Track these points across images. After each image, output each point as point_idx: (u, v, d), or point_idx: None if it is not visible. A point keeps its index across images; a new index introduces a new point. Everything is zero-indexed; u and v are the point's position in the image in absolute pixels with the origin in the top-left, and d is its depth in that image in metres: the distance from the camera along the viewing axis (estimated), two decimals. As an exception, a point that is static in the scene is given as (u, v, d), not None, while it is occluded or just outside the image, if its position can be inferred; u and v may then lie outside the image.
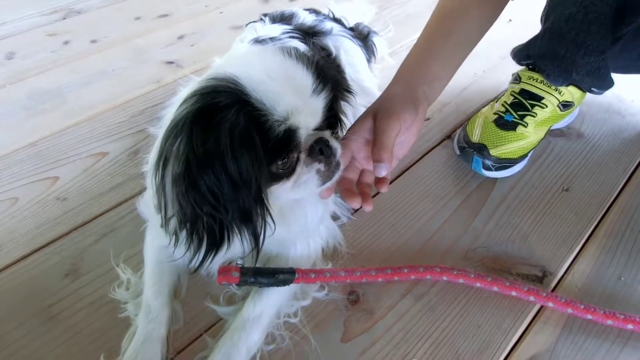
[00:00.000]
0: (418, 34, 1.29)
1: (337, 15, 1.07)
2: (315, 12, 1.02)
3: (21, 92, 1.14)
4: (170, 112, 0.69)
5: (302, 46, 0.85)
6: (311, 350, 0.60)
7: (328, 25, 0.97)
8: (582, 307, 0.61)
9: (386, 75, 1.10)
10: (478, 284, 0.65)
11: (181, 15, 1.44)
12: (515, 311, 0.64)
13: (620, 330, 0.61)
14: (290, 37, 0.86)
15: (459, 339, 0.62)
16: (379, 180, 0.61)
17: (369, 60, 1.03)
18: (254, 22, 0.97)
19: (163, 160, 0.51)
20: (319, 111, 0.54)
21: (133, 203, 0.81)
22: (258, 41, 0.83)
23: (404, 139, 0.63)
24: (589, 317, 0.61)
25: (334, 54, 0.92)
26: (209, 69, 1.16)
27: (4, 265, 0.74)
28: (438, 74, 0.68)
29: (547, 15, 0.78)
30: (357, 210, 0.78)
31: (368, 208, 0.59)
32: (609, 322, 0.60)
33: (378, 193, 0.81)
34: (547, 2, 0.80)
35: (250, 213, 0.51)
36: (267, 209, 0.52)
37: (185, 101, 0.51)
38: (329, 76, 0.55)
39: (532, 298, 0.63)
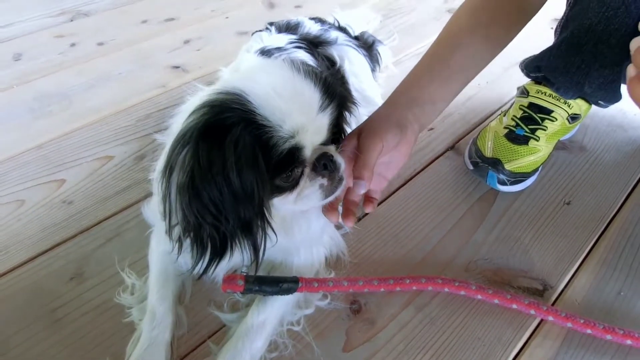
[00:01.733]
0: (422, 44, 1.31)
1: (342, 24, 1.08)
2: (321, 21, 1.03)
3: (28, 94, 1.15)
4: (177, 122, 0.70)
5: (307, 56, 0.86)
6: (313, 358, 0.61)
7: (333, 34, 0.98)
8: (582, 321, 0.62)
9: (390, 84, 1.11)
10: (479, 296, 0.66)
11: (187, 20, 1.45)
12: (515, 324, 0.65)
13: (619, 345, 0.61)
14: (296, 47, 0.87)
15: (459, 351, 0.62)
16: (367, 199, 0.62)
17: (373, 70, 1.04)
18: (259, 31, 0.98)
19: (169, 169, 0.51)
20: (324, 128, 0.55)
21: (138, 208, 0.82)
22: (264, 51, 0.84)
23: (391, 159, 0.63)
24: (589, 331, 0.62)
25: (338, 64, 0.93)
26: (214, 75, 1.19)
27: (9, 268, 0.75)
28: (433, 97, 0.67)
29: (564, 27, 0.79)
30: (360, 219, 0.79)
31: (349, 224, 0.60)
32: (608, 337, 0.61)
33: (381, 203, 0.82)
34: (564, 14, 0.80)
35: (250, 225, 0.52)
36: (268, 222, 0.53)
37: (193, 113, 0.52)
38: (336, 92, 0.56)
39: (532, 311, 0.64)
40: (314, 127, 0.53)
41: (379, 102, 1.00)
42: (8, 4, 1.54)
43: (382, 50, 1.11)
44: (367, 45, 1.06)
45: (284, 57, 0.75)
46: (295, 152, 0.52)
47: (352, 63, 0.95)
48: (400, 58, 1.23)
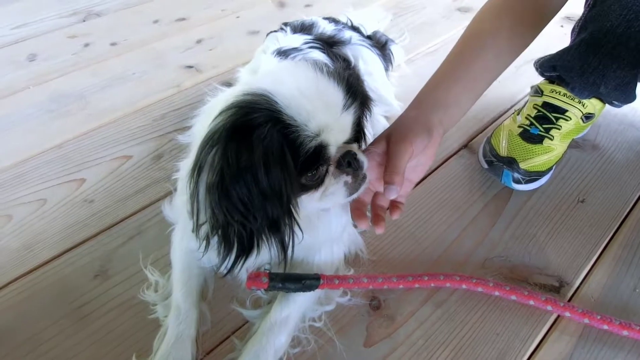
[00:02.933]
0: (433, 42, 1.31)
1: (355, 24, 1.09)
2: (335, 21, 1.04)
3: (44, 95, 1.17)
4: (199, 122, 0.72)
5: (322, 56, 0.87)
6: (335, 353, 0.63)
7: (347, 34, 0.99)
8: (599, 317, 0.63)
9: (402, 83, 1.12)
10: (497, 293, 0.67)
11: (198, 19, 1.46)
12: (532, 320, 0.66)
13: (636, 341, 0.63)
14: (311, 47, 0.88)
15: (478, 346, 0.64)
16: (393, 205, 0.62)
17: (386, 69, 1.05)
18: (274, 31, 0.99)
19: (198, 168, 0.53)
20: (348, 127, 0.56)
21: (158, 206, 0.84)
22: (281, 52, 0.85)
23: (418, 162, 0.64)
24: (605, 327, 0.63)
25: (353, 64, 0.94)
26: (227, 75, 1.20)
27: (34, 266, 0.77)
28: (457, 100, 0.68)
29: (583, 27, 0.80)
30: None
31: (379, 230, 0.60)
32: (625, 332, 0.62)
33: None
34: (583, 15, 0.81)
35: (278, 223, 0.53)
36: (295, 219, 0.54)
37: (221, 114, 0.53)
38: (358, 92, 0.57)
39: (549, 307, 0.65)
40: (338, 126, 0.54)
41: (393, 101, 1.01)
42: (20, 5, 1.55)
43: (394, 49, 1.12)
44: (380, 45, 1.07)
45: (306, 59, 0.77)
46: (320, 151, 0.53)
47: (367, 62, 0.97)
48: (411, 57, 1.24)
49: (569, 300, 0.69)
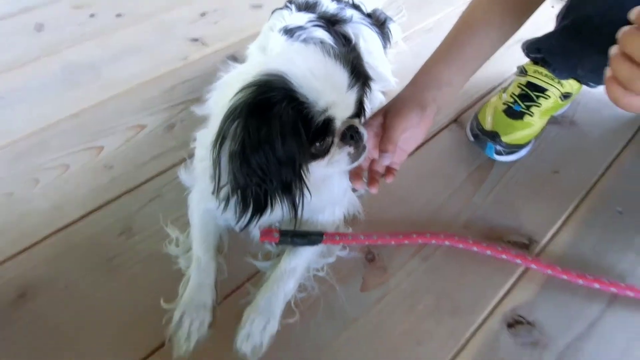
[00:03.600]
0: (429, 20, 1.37)
1: (356, 1, 1.14)
2: (336, -2, 1.10)
3: (56, 65, 1.22)
4: (215, 96, 0.79)
5: (326, 35, 0.93)
6: (336, 297, 0.73)
7: (348, 12, 1.04)
8: (560, 269, 0.74)
9: (399, 60, 1.19)
10: (475, 249, 0.77)
11: (201, -8, 1.49)
12: (504, 271, 0.77)
13: (589, 288, 0.74)
14: (315, 25, 0.94)
15: (457, 292, 0.75)
16: (387, 171, 0.72)
17: (384, 47, 1.11)
18: (279, 8, 1.04)
19: (221, 138, 0.61)
20: (352, 104, 0.64)
21: (174, 172, 0.91)
22: (287, 30, 0.91)
23: (411, 135, 0.72)
24: (564, 277, 0.74)
25: (354, 42, 1.01)
26: (233, 48, 1.25)
27: (64, 225, 0.85)
28: (450, 80, 0.75)
29: (565, 15, 0.87)
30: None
31: (373, 190, 0.70)
32: (580, 281, 0.74)
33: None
34: (566, 3, 0.88)
35: (291, 185, 0.62)
36: (305, 183, 0.63)
37: (242, 90, 0.60)
38: (361, 73, 0.65)
39: (519, 261, 0.76)
40: (343, 103, 0.63)
41: (390, 77, 1.08)
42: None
43: (392, 27, 1.18)
44: (379, 23, 1.13)
45: (314, 40, 0.84)
46: (328, 124, 0.61)
47: (366, 41, 1.03)
48: (408, 34, 1.30)
49: (537, 255, 0.80)
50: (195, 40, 1.30)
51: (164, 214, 0.84)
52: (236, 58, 1.22)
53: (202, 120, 1.00)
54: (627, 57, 0.46)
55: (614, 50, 0.48)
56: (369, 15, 1.13)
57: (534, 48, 0.94)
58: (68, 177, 0.94)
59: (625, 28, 0.48)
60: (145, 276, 0.77)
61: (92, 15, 1.40)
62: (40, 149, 0.99)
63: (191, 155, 0.91)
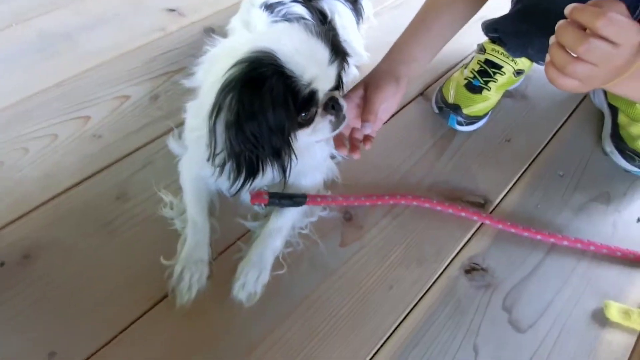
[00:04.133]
0: (400, -5, 1.41)
1: (330, -22, 1.19)
2: (312, -25, 1.14)
3: (30, 33, 1.21)
4: (203, 69, 0.84)
5: (304, 10, 0.99)
6: (318, 251, 0.83)
7: (324, -12, 1.10)
8: (509, 224, 0.87)
9: (370, 35, 1.26)
10: (438, 208, 0.89)
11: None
12: (463, 227, 0.89)
13: (532, 239, 0.87)
14: (293, 1, 1.00)
15: (423, 245, 0.86)
16: (365, 138, 0.80)
17: (357, 22, 1.18)
18: (259, -17, 1.08)
19: (217, 110, 0.67)
20: (332, 77, 0.72)
21: (162, 141, 0.96)
22: (267, 6, 0.96)
23: (387, 106, 0.81)
24: (513, 231, 0.87)
25: (329, 17, 1.07)
26: (210, 20, 1.28)
27: (58, 192, 0.89)
28: (419, 57, 0.85)
29: (519, 0, 0.96)
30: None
31: (356, 156, 0.78)
32: (525, 234, 0.87)
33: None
34: None
35: (280, 151, 0.70)
36: (293, 149, 0.71)
37: (235, 66, 0.66)
38: (340, 50, 0.72)
39: (475, 218, 0.88)
40: (325, 77, 0.70)
41: (363, 52, 1.16)
42: None
43: (364, 3, 1.24)
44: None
45: (292, 15, 0.90)
46: (312, 96, 0.69)
47: (341, 16, 1.09)
48: (378, 10, 1.36)
49: (490, 212, 0.92)
50: (172, 10, 1.31)
51: (157, 181, 0.90)
52: (213, 30, 1.26)
53: (186, 92, 1.06)
54: (561, 46, 0.57)
55: (552, 39, 0.59)
56: (343, -8, 1.19)
57: (491, 28, 1.04)
58: (57, 146, 0.97)
59: (561, 22, 0.58)
60: (144, 237, 0.84)
61: (61, -19, 1.37)
62: (26, 119, 1.01)
63: (178, 125, 0.97)
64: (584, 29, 0.56)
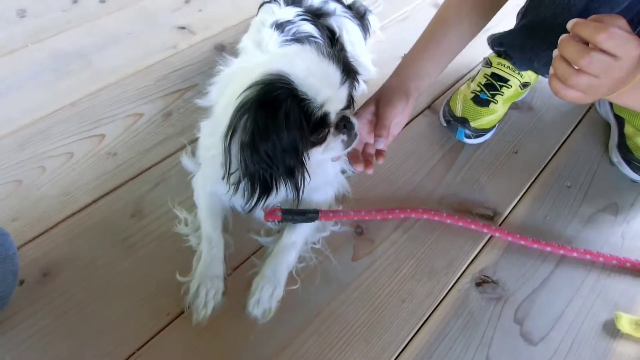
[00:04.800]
0: (404, 9, 1.46)
1: (337, -6, 1.21)
2: (319, -9, 1.17)
3: (44, 53, 1.24)
4: (217, 89, 0.86)
5: (312, 28, 1.02)
6: (330, 266, 0.85)
7: (332, 6, 1.12)
8: (518, 236, 0.88)
9: (377, 49, 1.28)
10: (448, 221, 0.90)
11: (183, -22, 1.52)
12: (473, 239, 0.90)
13: (542, 251, 0.88)
14: (303, 19, 1.02)
15: (433, 258, 0.88)
16: (378, 153, 0.82)
17: (365, 38, 1.21)
18: (267, 2, 1.11)
19: (232, 130, 0.69)
20: (344, 98, 0.74)
21: (176, 158, 0.99)
22: (278, 25, 0.98)
23: (398, 120, 0.83)
24: (522, 243, 0.88)
25: (338, 34, 1.09)
26: (220, 37, 1.30)
27: (76, 209, 0.91)
28: (429, 72, 0.87)
29: (524, 14, 0.98)
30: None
31: (370, 171, 0.80)
32: (535, 246, 0.88)
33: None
34: (525, 4, 0.99)
35: (294, 170, 0.72)
36: (306, 167, 0.73)
37: (250, 87, 0.68)
38: (351, 70, 0.74)
39: (485, 230, 0.89)
40: (337, 98, 0.72)
41: (371, 67, 1.18)
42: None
43: (371, 18, 1.27)
44: (359, 15, 1.21)
45: (301, 34, 0.92)
46: (325, 117, 0.71)
47: (349, 33, 1.12)
48: (384, 24, 1.38)
49: (500, 225, 0.93)
50: (182, 28, 1.34)
51: (171, 197, 0.92)
52: (224, 47, 1.28)
53: (198, 109, 1.08)
54: (564, 59, 0.59)
55: (555, 52, 0.61)
56: (349, 8, 1.21)
57: (497, 42, 1.06)
58: (73, 164, 0.99)
59: (564, 36, 0.60)
60: (160, 253, 0.86)
61: (74, 2, 1.40)
62: (42, 138, 1.03)
63: (191, 142, 1.00)
64: (586, 43, 0.58)
